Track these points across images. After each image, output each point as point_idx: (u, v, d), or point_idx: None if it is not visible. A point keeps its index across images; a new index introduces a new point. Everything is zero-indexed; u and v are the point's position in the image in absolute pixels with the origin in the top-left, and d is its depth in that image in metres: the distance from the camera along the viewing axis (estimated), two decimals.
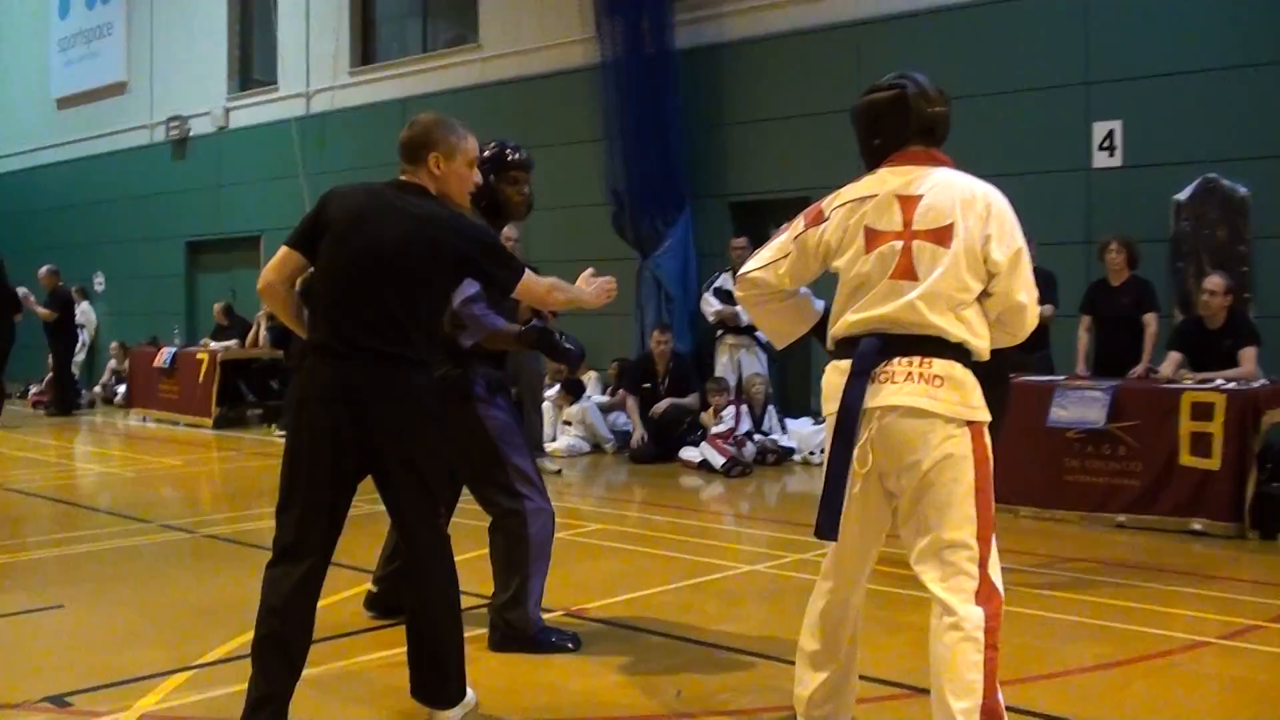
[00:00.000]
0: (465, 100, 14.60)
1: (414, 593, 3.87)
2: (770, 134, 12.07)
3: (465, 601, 4.09)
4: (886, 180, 3.44)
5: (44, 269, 16.29)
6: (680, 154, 12.40)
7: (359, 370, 3.70)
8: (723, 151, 12.49)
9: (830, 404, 3.40)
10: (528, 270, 3.98)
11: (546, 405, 11.77)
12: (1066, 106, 10.23)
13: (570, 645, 4.95)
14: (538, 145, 14.09)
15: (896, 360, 3.30)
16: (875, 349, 3.32)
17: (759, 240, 12.39)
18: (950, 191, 3.43)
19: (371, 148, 15.66)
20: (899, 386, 3.28)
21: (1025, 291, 3.39)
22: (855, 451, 3.31)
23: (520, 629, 4.91)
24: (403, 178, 3.94)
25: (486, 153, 4.96)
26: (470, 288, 4.64)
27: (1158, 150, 9.76)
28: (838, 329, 3.43)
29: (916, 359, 3.28)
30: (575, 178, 13.27)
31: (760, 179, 12.20)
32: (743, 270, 3.68)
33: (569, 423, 11.75)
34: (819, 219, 3.51)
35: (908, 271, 3.33)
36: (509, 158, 5.04)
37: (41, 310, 15.91)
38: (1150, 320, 8.67)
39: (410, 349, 3.77)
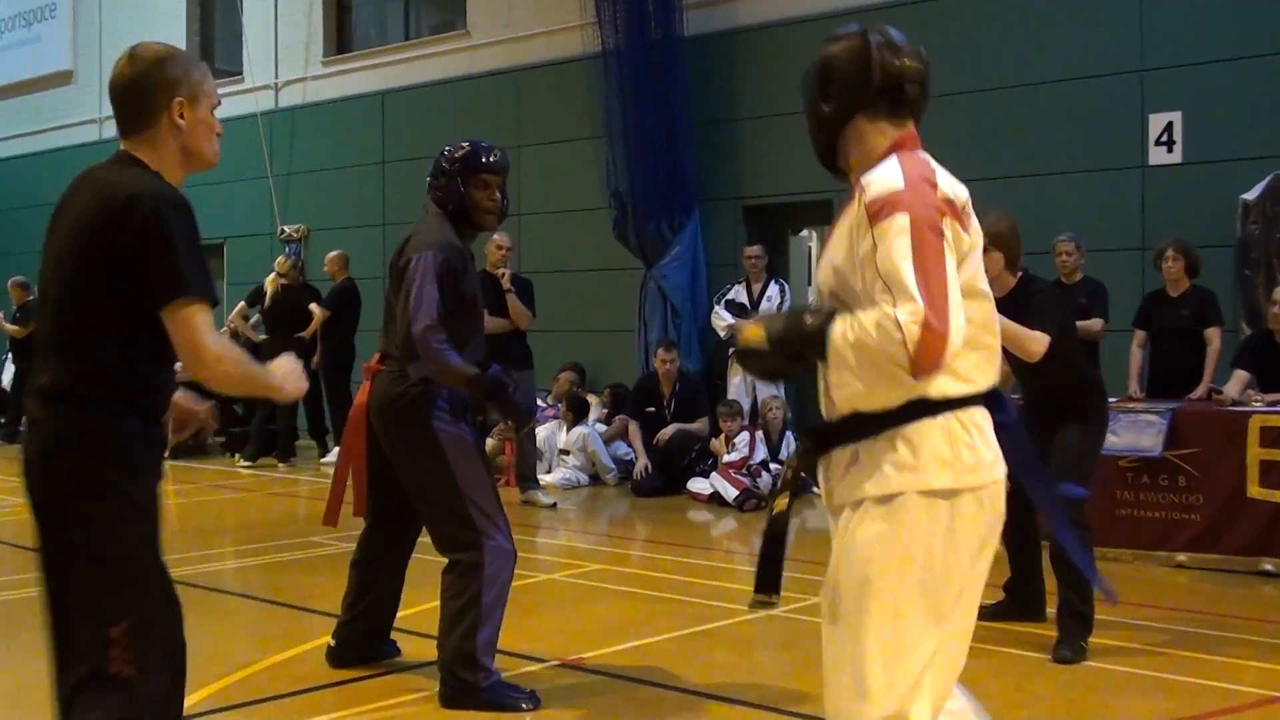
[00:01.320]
0: (452, 92, 14.66)
1: None
2: (788, 130, 12.03)
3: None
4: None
5: (12, 280, 16.35)
6: (688, 152, 12.42)
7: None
8: (735, 149, 12.51)
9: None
10: (200, 305, 3.11)
11: (546, 430, 11.78)
12: (1119, 97, 10.24)
13: (525, 706, 4.88)
14: (531, 143, 14.31)
15: None
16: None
17: (775, 248, 12.57)
18: None
19: (347, 145, 15.72)
20: None
21: None
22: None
23: (471, 683, 4.86)
24: (121, 146, 3.29)
25: (457, 153, 5.04)
26: (427, 309, 4.69)
27: (1222, 145, 9.76)
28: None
29: None
30: (572, 179, 13.30)
31: (777, 180, 12.20)
32: (958, 327, 2.69)
33: (566, 452, 11.74)
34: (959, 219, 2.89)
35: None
36: (482, 159, 5.08)
37: (10, 326, 15.98)
38: (1213, 335, 8.64)
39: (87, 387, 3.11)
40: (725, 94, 12.55)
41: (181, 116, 3.22)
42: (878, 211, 2.74)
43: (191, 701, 4.85)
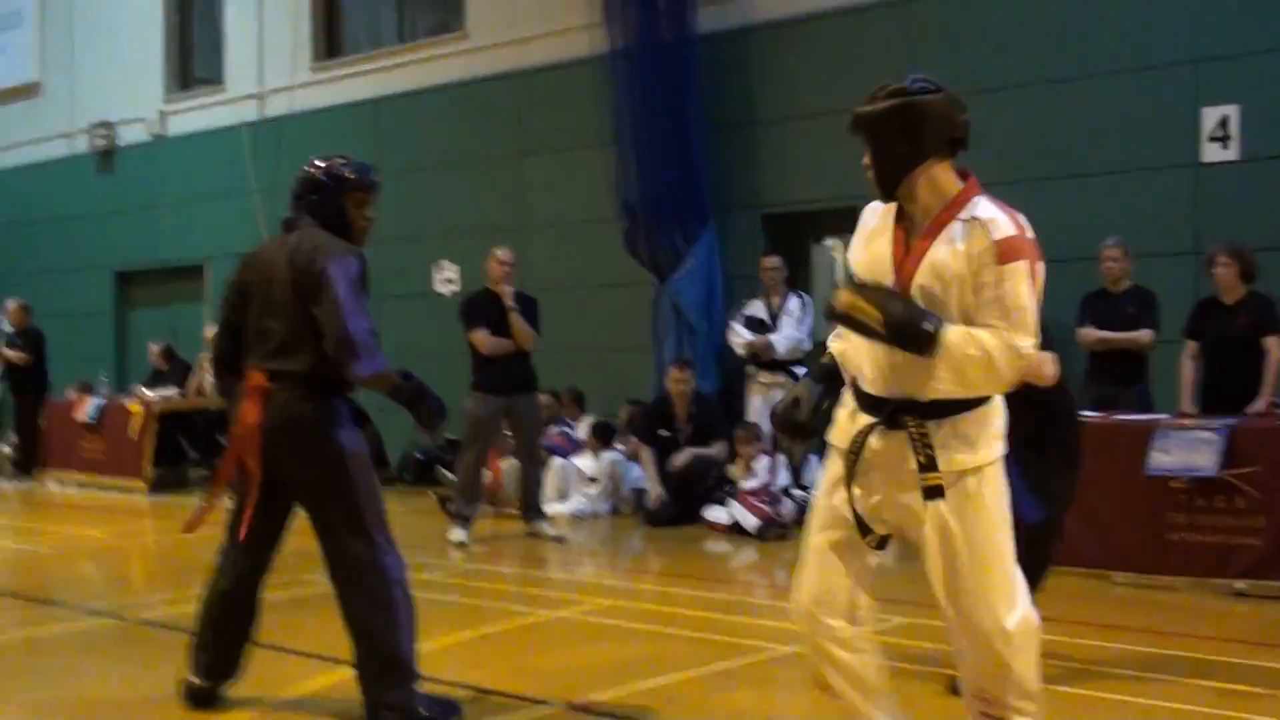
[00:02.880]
0: (450, 98, 14.72)
1: None
2: (810, 133, 12.07)
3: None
4: None
5: (13, 303, 16.44)
6: (703, 158, 12.44)
7: None
8: (753, 155, 12.52)
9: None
10: None
11: (561, 460, 11.80)
12: (1170, 89, 10.22)
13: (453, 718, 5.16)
14: (535, 151, 14.35)
15: None
16: None
17: (796, 259, 12.56)
18: None
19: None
20: None
21: None
22: None
23: (409, 708, 5.03)
24: None
25: (335, 169, 5.34)
26: (362, 309, 4.97)
27: None
28: None
29: None
30: (580, 188, 13.33)
31: (798, 186, 12.21)
32: (1029, 348, 3.74)
33: (594, 479, 11.74)
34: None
35: None
36: (362, 177, 5.37)
37: (11, 353, 16.07)
38: (1273, 345, 8.63)
39: None
40: (742, 95, 12.57)
41: None
42: (1005, 253, 3.72)
43: None
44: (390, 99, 15.41)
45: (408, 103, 15.27)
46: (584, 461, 11.89)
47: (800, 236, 12.77)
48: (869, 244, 4.00)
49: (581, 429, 12.41)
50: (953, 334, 3.68)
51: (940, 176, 3.89)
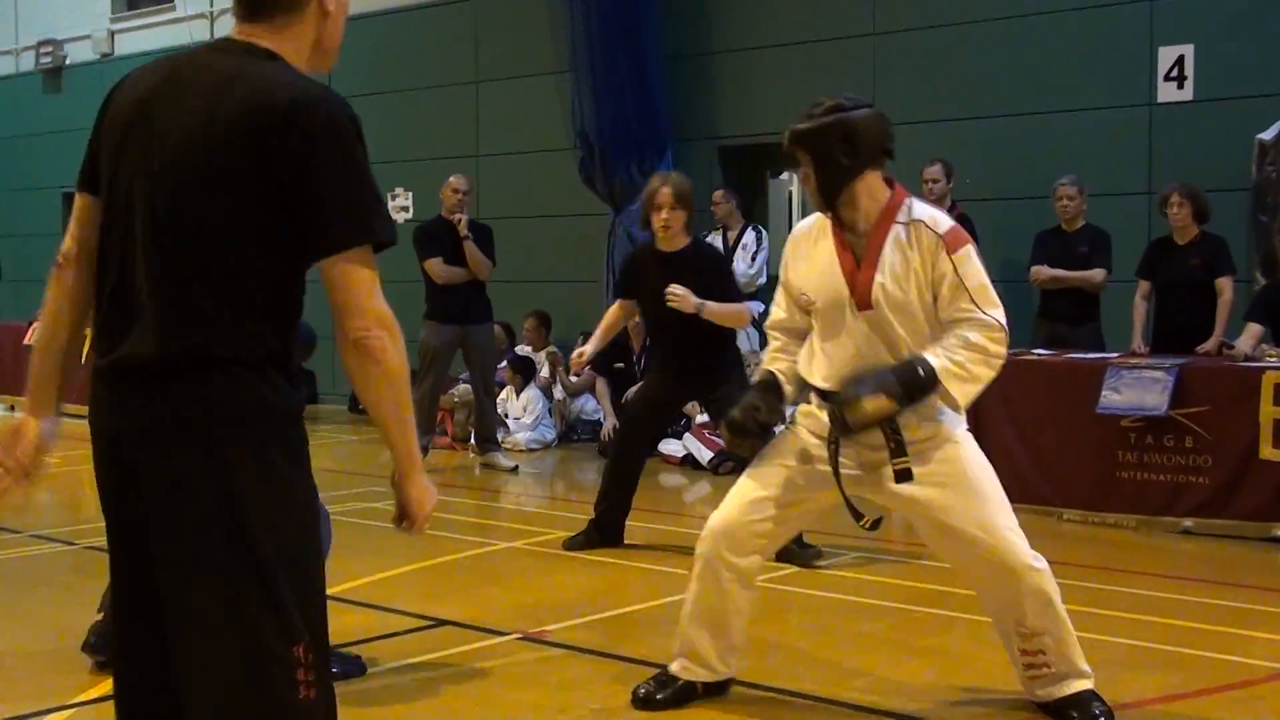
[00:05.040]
0: (403, 23, 14.51)
1: None
2: (767, 65, 12.00)
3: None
4: None
5: None
6: (660, 89, 12.34)
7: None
8: (710, 86, 12.43)
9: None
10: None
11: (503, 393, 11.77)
12: (1125, 28, 10.20)
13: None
14: (490, 78, 14.19)
15: None
16: None
17: (753, 191, 12.52)
18: None
19: None
20: None
21: None
22: None
23: None
24: (237, 35, 2.80)
25: None
26: None
27: (1237, 80, 9.73)
28: None
29: None
30: (535, 117, 13.19)
31: (757, 118, 12.12)
32: (1003, 319, 4.18)
33: (518, 417, 11.69)
34: None
35: None
36: None
37: None
38: (1224, 286, 8.66)
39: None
40: (700, 25, 12.45)
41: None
42: (952, 243, 4.18)
43: None
44: (348, 19, 15.14)
45: (360, 27, 14.98)
46: (509, 402, 11.80)
47: (757, 168, 12.73)
48: (811, 260, 4.40)
49: (542, 360, 12.31)
50: (940, 360, 4.13)
51: (875, 184, 4.29)
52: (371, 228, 2.64)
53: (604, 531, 7.28)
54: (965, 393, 4.16)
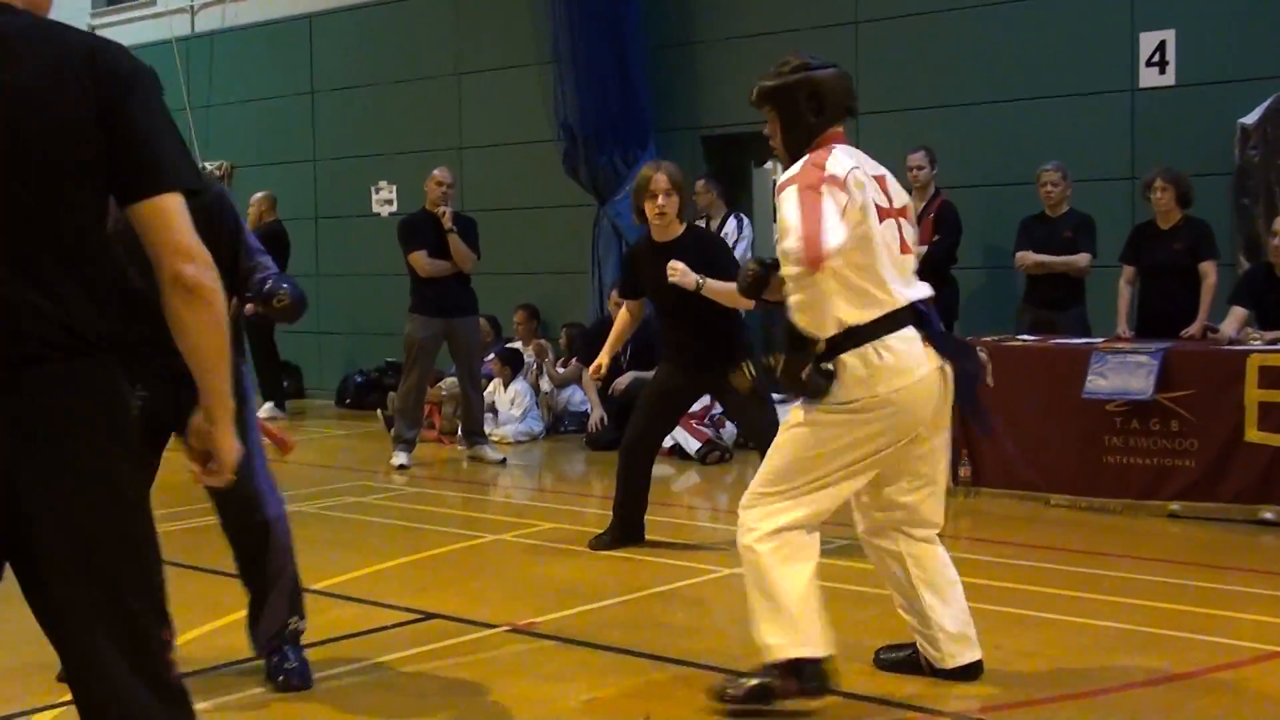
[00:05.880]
0: (385, 15, 14.47)
1: None
2: (750, 54, 11.94)
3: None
4: (857, 157, 4.45)
5: None
6: (643, 79, 12.32)
7: None
8: (693, 76, 12.42)
9: (905, 376, 4.37)
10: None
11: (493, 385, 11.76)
12: (1106, 13, 10.20)
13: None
14: (472, 70, 14.16)
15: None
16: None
17: (733, 182, 12.50)
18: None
19: (272, 74, 15.51)
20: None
21: None
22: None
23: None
24: None
25: None
26: None
27: (1219, 65, 9.73)
28: (883, 303, 4.36)
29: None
30: (517, 109, 13.16)
31: (740, 107, 11.96)
32: (836, 244, 4.15)
33: (506, 410, 11.67)
34: (845, 188, 4.27)
35: (905, 248, 4.49)
36: None
37: None
38: (1208, 269, 8.68)
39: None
40: (682, 15, 12.44)
41: None
42: (779, 187, 4.39)
43: None
44: (326, 15, 15.10)
45: (342, 19, 14.99)
46: (497, 395, 11.78)
47: (741, 158, 12.73)
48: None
49: (530, 353, 12.29)
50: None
51: (837, 141, 4.46)
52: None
53: (627, 530, 7.22)
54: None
